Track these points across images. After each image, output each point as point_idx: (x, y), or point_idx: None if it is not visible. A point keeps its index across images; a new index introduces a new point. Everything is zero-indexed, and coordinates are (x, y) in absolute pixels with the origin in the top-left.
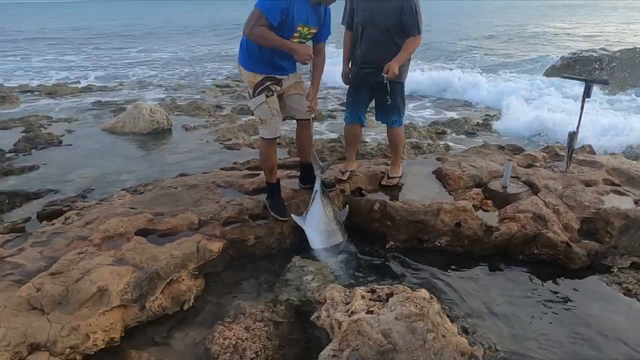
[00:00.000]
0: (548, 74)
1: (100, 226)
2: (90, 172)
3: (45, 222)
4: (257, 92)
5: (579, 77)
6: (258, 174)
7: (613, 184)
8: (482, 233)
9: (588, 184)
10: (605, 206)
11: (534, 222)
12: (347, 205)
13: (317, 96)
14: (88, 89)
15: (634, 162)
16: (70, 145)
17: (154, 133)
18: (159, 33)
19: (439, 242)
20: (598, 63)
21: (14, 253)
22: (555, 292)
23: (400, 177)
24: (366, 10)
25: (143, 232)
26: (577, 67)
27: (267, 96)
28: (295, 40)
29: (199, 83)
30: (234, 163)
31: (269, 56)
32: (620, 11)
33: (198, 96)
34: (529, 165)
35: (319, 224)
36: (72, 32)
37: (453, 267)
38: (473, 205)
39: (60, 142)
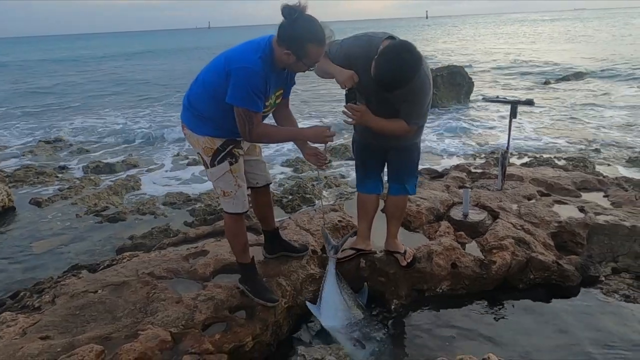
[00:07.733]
0: None
1: None
2: None
3: None
4: (217, 160)
5: (505, 99)
6: (202, 250)
7: (543, 194)
8: (479, 269)
9: (529, 198)
10: (562, 218)
11: (520, 247)
12: (365, 284)
13: None
14: None
15: (536, 169)
16: None
17: None
18: None
19: (441, 289)
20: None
21: None
22: (568, 313)
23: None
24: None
25: None
26: None
27: (231, 163)
28: (268, 110)
29: (14, 141)
30: (130, 238)
31: (229, 119)
32: None
33: (26, 158)
34: (462, 187)
35: (337, 312)
36: None
37: (470, 311)
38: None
39: None
